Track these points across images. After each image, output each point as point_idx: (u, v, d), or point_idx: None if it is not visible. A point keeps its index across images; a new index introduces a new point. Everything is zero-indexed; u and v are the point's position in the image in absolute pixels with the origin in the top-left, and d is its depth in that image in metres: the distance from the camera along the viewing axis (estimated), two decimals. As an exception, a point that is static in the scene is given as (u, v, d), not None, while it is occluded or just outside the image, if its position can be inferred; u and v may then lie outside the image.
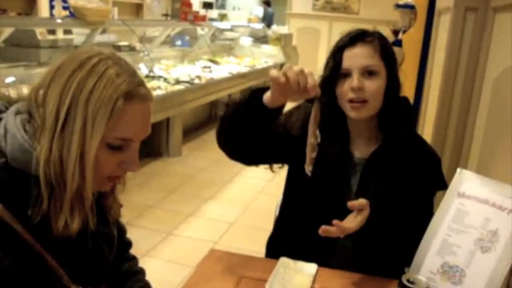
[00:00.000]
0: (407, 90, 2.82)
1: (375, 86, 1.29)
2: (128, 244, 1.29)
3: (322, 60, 1.39)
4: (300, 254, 1.31)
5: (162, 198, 3.76)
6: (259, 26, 8.30)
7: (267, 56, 7.47)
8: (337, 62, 1.31)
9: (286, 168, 1.51)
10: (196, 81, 4.93)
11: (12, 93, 2.95)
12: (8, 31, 3.49)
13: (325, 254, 1.35)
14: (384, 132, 1.37)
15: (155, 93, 4.02)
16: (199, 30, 6.37)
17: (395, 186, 1.35)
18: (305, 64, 1.49)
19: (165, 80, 4.62)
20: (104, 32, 4.65)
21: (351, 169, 1.39)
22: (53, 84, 0.89)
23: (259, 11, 10.51)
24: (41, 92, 0.91)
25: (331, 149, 1.36)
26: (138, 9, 8.05)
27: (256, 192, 4.02)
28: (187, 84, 4.70)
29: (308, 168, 1.16)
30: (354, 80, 1.28)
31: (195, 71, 5.32)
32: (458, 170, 1.20)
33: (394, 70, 1.35)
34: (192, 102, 4.78)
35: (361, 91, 1.28)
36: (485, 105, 2.07)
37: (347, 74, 1.30)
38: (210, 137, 4.84)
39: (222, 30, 7.26)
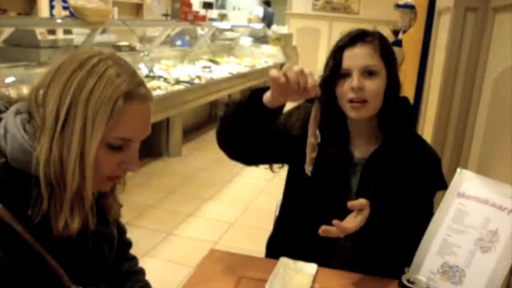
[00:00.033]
0: (407, 90, 2.82)
1: (374, 86, 1.29)
2: (128, 244, 1.29)
3: (322, 60, 1.39)
4: (300, 254, 1.31)
5: (162, 198, 3.76)
6: (259, 26, 8.30)
7: (267, 56, 7.47)
8: (337, 62, 1.31)
9: (286, 168, 1.51)
10: (196, 81, 4.93)
11: (12, 93, 2.95)
12: (8, 31, 3.49)
13: (325, 254, 1.35)
14: (383, 132, 1.37)
15: (155, 93, 4.02)
16: (199, 30, 6.37)
17: (395, 186, 1.35)
18: (305, 64, 1.49)
19: (165, 80, 4.62)
20: (104, 32, 4.65)
21: (351, 169, 1.39)
22: (53, 84, 0.89)
23: (259, 11, 10.51)
24: (41, 92, 0.91)
25: (331, 149, 1.36)
26: (138, 9, 8.05)
27: (256, 192, 4.02)
28: (187, 84, 4.70)
29: (308, 168, 1.17)
30: (354, 80, 1.28)
31: (195, 71, 5.32)
32: (458, 170, 1.20)
33: (394, 70, 1.35)
34: (192, 102, 4.78)
35: (361, 91, 1.28)
36: (485, 105, 2.07)
37: (347, 74, 1.30)
38: (210, 137, 4.85)
39: (222, 30, 7.26)
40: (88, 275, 0.99)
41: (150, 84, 4.19)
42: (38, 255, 0.89)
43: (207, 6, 8.24)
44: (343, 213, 1.20)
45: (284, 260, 1.29)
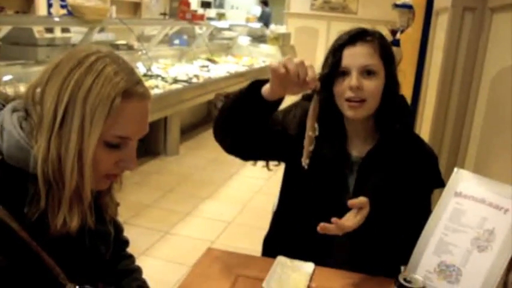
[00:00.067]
0: (405, 90, 2.81)
1: (373, 86, 1.29)
2: (125, 243, 1.29)
3: (320, 60, 1.38)
4: (296, 253, 1.31)
5: (159, 197, 3.76)
6: (258, 25, 8.30)
7: (265, 56, 7.47)
8: (337, 60, 1.30)
9: (283, 167, 1.51)
10: (194, 80, 4.92)
11: (10, 91, 2.94)
12: (5, 29, 3.48)
13: (322, 253, 1.35)
14: (380, 131, 1.37)
15: (153, 92, 4.02)
16: (197, 29, 6.36)
17: (393, 184, 1.35)
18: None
19: (163, 79, 4.62)
20: (101, 30, 4.64)
21: (348, 168, 1.39)
22: (51, 82, 0.89)
23: (257, 10, 10.51)
24: (39, 90, 0.91)
25: (328, 148, 1.36)
26: (136, 8, 8.05)
27: (254, 192, 4.02)
28: (185, 83, 4.70)
29: (305, 162, 1.16)
30: (353, 79, 1.27)
31: (193, 70, 5.32)
32: (456, 169, 1.20)
33: (393, 70, 1.35)
34: (189, 101, 4.78)
35: (359, 90, 1.28)
36: (483, 104, 2.07)
37: (346, 73, 1.30)
38: (208, 136, 4.85)
39: (220, 30, 7.26)
40: (84, 273, 0.99)
41: (147, 83, 4.18)
42: (34, 254, 0.88)
43: (205, 5, 8.23)
44: (340, 212, 1.20)
45: (281, 259, 1.29)
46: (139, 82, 0.95)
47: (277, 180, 1.54)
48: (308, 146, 1.16)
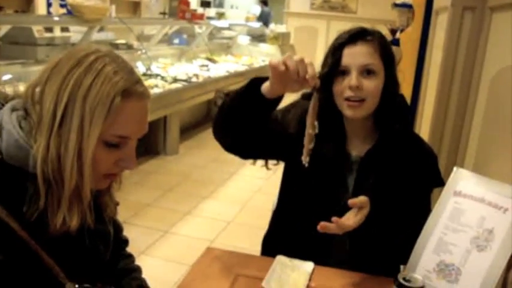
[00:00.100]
0: (405, 89, 2.82)
1: (373, 86, 1.29)
2: (125, 242, 1.29)
3: (320, 59, 1.38)
4: (296, 252, 1.31)
5: (159, 196, 3.76)
6: (257, 24, 8.29)
7: (264, 55, 7.47)
8: (337, 59, 1.30)
9: (282, 166, 1.50)
10: (194, 79, 4.92)
11: (9, 90, 2.94)
12: (5, 28, 3.47)
13: (321, 252, 1.35)
14: (380, 130, 1.37)
15: (152, 91, 4.02)
16: (197, 29, 6.36)
17: (392, 183, 1.35)
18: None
19: (163, 78, 4.62)
20: (101, 30, 4.64)
21: (347, 167, 1.39)
22: (50, 82, 0.89)
23: (257, 9, 10.50)
24: (38, 89, 0.91)
25: (327, 148, 1.35)
26: (135, 7, 8.04)
27: (253, 191, 4.02)
28: (185, 83, 4.70)
29: (305, 160, 1.16)
30: (353, 79, 1.27)
31: (192, 70, 5.32)
32: (455, 168, 1.20)
33: (393, 70, 1.35)
34: (189, 100, 4.78)
35: (359, 90, 1.27)
36: (482, 104, 2.07)
37: (345, 72, 1.29)
38: (208, 135, 4.85)
39: (220, 29, 7.26)
40: (84, 272, 0.99)
41: (147, 82, 4.18)
42: (33, 253, 0.88)
43: (205, 4, 8.23)
44: (340, 211, 1.20)
45: (280, 258, 1.29)
46: (138, 81, 0.95)
47: (277, 180, 1.54)
48: (308, 144, 1.16)
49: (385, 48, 1.32)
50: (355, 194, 1.24)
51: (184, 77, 4.85)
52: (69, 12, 3.67)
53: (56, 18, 3.77)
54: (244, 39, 7.85)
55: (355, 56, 1.29)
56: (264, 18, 9.85)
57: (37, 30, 3.59)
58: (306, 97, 1.36)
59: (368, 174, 1.36)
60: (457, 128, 2.33)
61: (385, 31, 4.19)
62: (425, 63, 2.97)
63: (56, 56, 0.93)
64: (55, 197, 0.89)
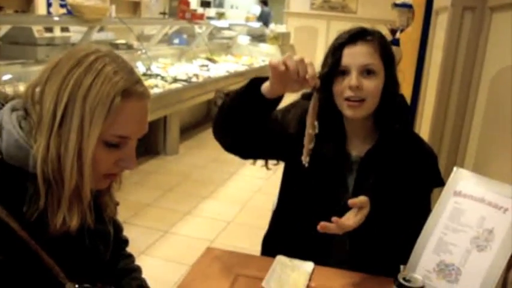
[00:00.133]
0: (405, 89, 2.82)
1: (373, 86, 1.29)
2: (125, 242, 1.29)
3: (320, 60, 1.38)
4: (295, 252, 1.31)
5: (159, 196, 3.76)
6: (257, 24, 8.29)
7: (264, 55, 7.47)
8: (337, 59, 1.30)
9: (282, 166, 1.50)
10: (194, 79, 4.92)
11: (9, 90, 2.94)
12: (5, 28, 3.47)
13: (321, 252, 1.35)
14: (379, 130, 1.37)
15: (152, 91, 4.02)
16: (197, 29, 6.36)
17: (392, 183, 1.35)
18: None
19: (163, 78, 4.62)
20: (101, 30, 4.64)
21: (347, 167, 1.39)
22: (50, 82, 0.89)
23: (257, 9, 10.50)
24: (38, 89, 0.91)
25: (327, 148, 1.35)
26: (135, 7, 8.03)
27: (253, 191, 4.02)
28: (185, 83, 4.70)
29: (305, 160, 1.16)
30: (353, 79, 1.27)
31: (192, 70, 5.32)
32: (455, 168, 1.20)
33: (393, 70, 1.35)
34: (189, 100, 4.78)
35: (359, 90, 1.27)
36: (482, 104, 2.07)
37: (345, 72, 1.29)
38: (208, 135, 4.85)
39: (220, 29, 7.26)
40: (84, 272, 0.99)
41: (147, 82, 4.18)
42: (33, 253, 0.88)
43: (205, 4, 8.23)
44: (340, 211, 1.20)
45: (280, 258, 1.29)
46: (138, 81, 0.95)
47: (277, 180, 1.54)
48: (308, 144, 1.16)
49: (385, 48, 1.32)
50: (355, 194, 1.24)
51: (184, 77, 4.85)
52: (69, 12, 3.68)
53: (56, 18, 3.77)
54: (244, 39, 7.85)
55: (355, 56, 1.29)
56: (264, 18, 9.86)
57: (37, 30, 3.59)
58: (306, 97, 1.36)
59: (368, 174, 1.36)
60: (457, 128, 2.33)
61: (385, 31, 4.19)
62: (425, 63, 2.97)
63: (56, 56, 0.93)
64: (55, 197, 0.89)
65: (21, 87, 3.00)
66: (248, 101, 1.21)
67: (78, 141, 0.87)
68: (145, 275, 1.28)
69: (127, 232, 1.29)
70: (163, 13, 7.03)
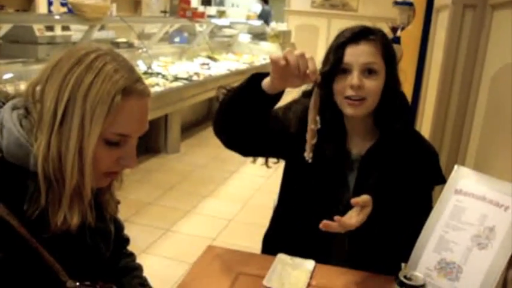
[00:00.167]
0: (406, 88, 2.82)
1: (374, 85, 1.28)
2: (126, 240, 1.29)
3: (321, 58, 1.38)
4: (296, 250, 1.31)
5: (160, 195, 3.76)
6: (258, 22, 8.29)
7: (265, 53, 7.45)
8: (339, 57, 1.29)
9: (283, 165, 1.50)
10: (195, 78, 4.92)
11: (10, 89, 2.93)
12: (6, 27, 3.47)
13: (322, 251, 1.35)
14: (380, 128, 1.37)
15: (153, 90, 4.02)
16: (198, 27, 6.35)
17: (393, 182, 1.35)
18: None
19: (163, 76, 4.62)
20: (102, 28, 4.64)
21: (348, 166, 1.38)
22: (51, 80, 0.89)
23: (258, 8, 10.50)
24: (39, 87, 0.91)
25: (328, 146, 1.35)
26: (136, 5, 8.02)
27: (254, 190, 4.02)
28: (186, 81, 4.70)
29: (308, 155, 1.16)
30: (354, 78, 1.27)
31: (193, 68, 5.32)
32: (456, 166, 1.20)
33: (394, 69, 1.34)
34: (190, 99, 4.77)
35: (360, 89, 1.27)
36: (483, 102, 2.07)
37: (347, 71, 1.29)
38: (209, 133, 4.84)
39: (221, 27, 7.25)
40: (84, 270, 0.99)
41: (148, 81, 4.18)
42: (34, 251, 0.89)
43: (206, 3, 8.24)
44: (341, 209, 1.20)
45: (281, 257, 1.29)
46: (139, 80, 0.95)
47: (278, 178, 1.54)
48: (311, 140, 1.16)
49: (387, 48, 1.32)
50: (356, 193, 1.24)
51: (185, 76, 4.84)
52: (70, 11, 3.68)
53: (57, 17, 3.77)
54: (245, 38, 7.84)
55: (358, 55, 1.28)
56: (265, 17, 9.85)
57: (38, 29, 3.59)
58: (307, 95, 1.36)
59: (369, 173, 1.36)
60: (458, 127, 2.33)
61: (386, 29, 4.19)
62: (426, 61, 2.97)
63: (56, 54, 0.92)
64: (56, 195, 0.89)
65: (22, 86, 2.96)
66: (248, 96, 1.21)
67: (79, 139, 0.87)
68: (146, 273, 1.28)
69: (128, 230, 1.29)
70: (164, 11, 7.02)
